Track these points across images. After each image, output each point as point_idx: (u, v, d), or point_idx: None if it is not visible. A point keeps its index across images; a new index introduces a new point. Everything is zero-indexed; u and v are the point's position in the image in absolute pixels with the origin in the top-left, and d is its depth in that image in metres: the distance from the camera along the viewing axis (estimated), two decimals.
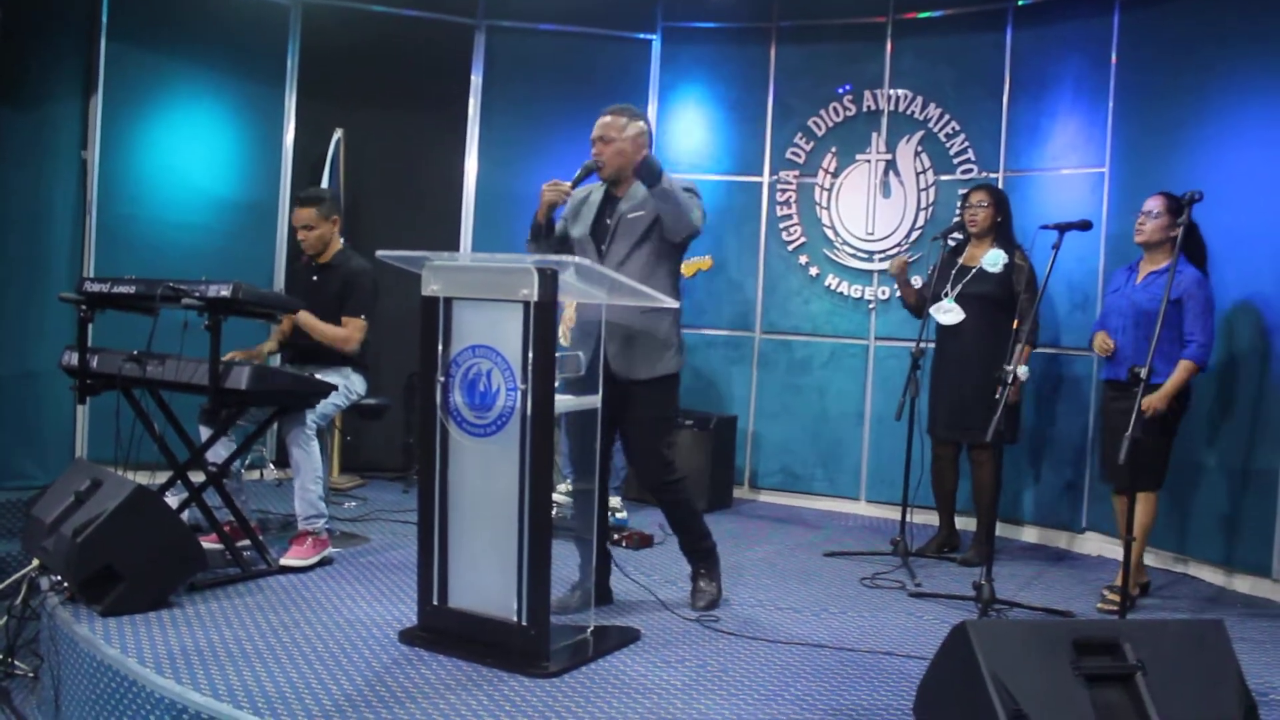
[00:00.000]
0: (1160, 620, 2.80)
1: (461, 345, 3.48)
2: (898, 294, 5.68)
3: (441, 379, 3.52)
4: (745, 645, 3.79)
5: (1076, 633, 2.62)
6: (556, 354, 3.36)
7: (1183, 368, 4.38)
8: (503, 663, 3.38)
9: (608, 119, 4.01)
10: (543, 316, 3.32)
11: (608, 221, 4.04)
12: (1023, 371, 4.37)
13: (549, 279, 3.31)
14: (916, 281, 5.45)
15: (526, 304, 3.31)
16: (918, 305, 5.39)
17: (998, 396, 4.21)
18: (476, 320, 3.45)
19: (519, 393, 3.35)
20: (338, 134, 6.31)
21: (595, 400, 3.68)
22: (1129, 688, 2.55)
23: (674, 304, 3.89)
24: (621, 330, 3.94)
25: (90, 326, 4.33)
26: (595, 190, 4.15)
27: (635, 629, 3.85)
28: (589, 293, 3.65)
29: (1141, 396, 3.79)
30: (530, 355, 3.32)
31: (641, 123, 4.05)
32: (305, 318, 4.67)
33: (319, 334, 4.71)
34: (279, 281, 6.27)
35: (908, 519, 5.21)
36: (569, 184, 3.94)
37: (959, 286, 5.19)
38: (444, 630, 3.55)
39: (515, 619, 3.40)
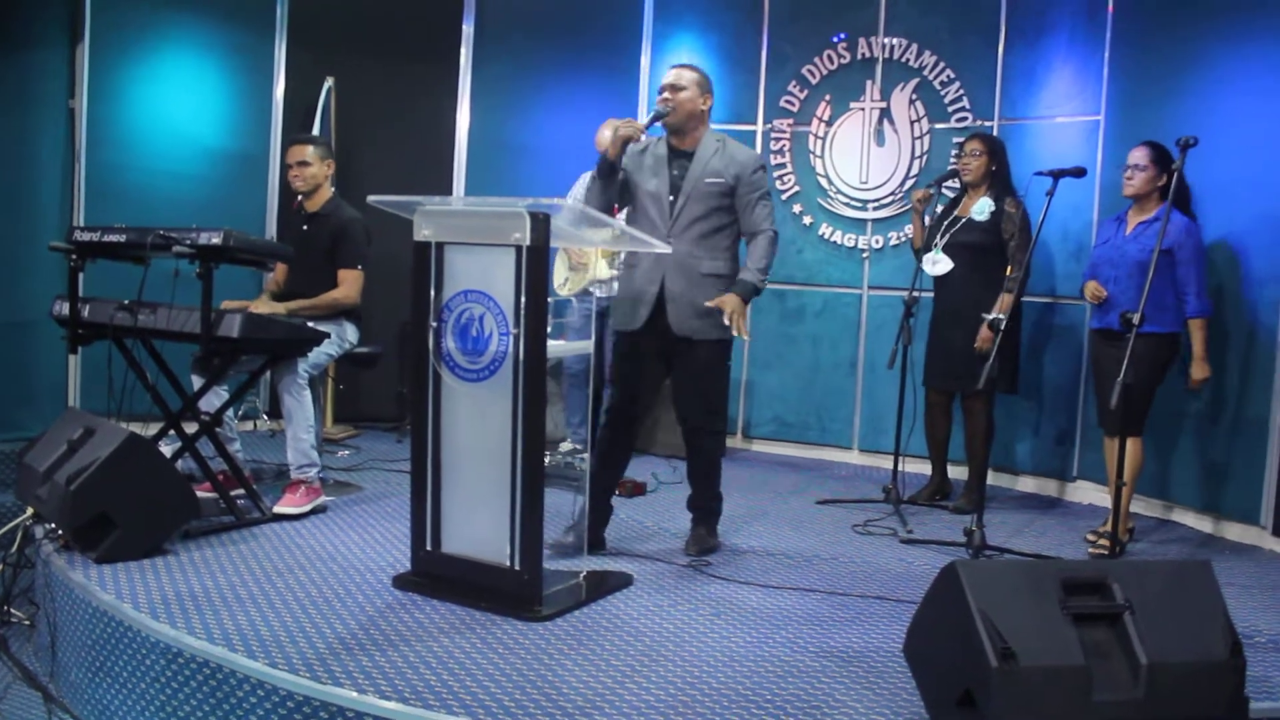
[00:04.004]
0: (1148, 561, 2.81)
1: (454, 290, 3.47)
2: (907, 234, 5.66)
3: (434, 324, 3.51)
4: (737, 590, 3.82)
5: (1065, 573, 2.63)
6: (550, 299, 3.36)
7: (1197, 328, 4.42)
8: (496, 607, 3.40)
9: (676, 69, 4.12)
10: (535, 261, 3.30)
11: (676, 175, 4.08)
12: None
13: (541, 223, 3.30)
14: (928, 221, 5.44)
15: (519, 248, 3.30)
16: (923, 249, 5.38)
17: (976, 345, 4.22)
18: (469, 265, 3.44)
19: (511, 337, 3.35)
20: (329, 83, 6.26)
21: (588, 346, 3.68)
22: (1116, 627, 2.57)
23: (664, 247, 3.88)
24: (687, 291, 4.01)
25: (81, 276, 4.31)
26: (656, 143, 4.17)
27: (628, 574, 3.87)
28: (582, 238, 3.64)
29: (1133, 343, 3.79)
30: (523, 300, 3.31)
31: (705, 76, 4.14)
32: (299, 303, 4.65)
33: (319, 309, 4.68)
34: (270, 231, 6.24)
35: (900, 467, 5.24)
36: (643, 123, 4.00)
37: (948, 236, 5.18)
38: (437, 575, 3.57)
39: (508, 563, 3.42)
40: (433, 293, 3.51)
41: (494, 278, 3.38)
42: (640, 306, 4.06)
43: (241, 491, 4.41)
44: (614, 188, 4.08)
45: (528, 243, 3.29)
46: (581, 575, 3.74)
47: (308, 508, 4.44)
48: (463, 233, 3.46)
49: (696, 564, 4.10)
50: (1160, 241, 3.94)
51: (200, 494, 4.14)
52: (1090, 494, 5.62)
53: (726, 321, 3.91)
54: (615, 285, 5.60)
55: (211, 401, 4.49)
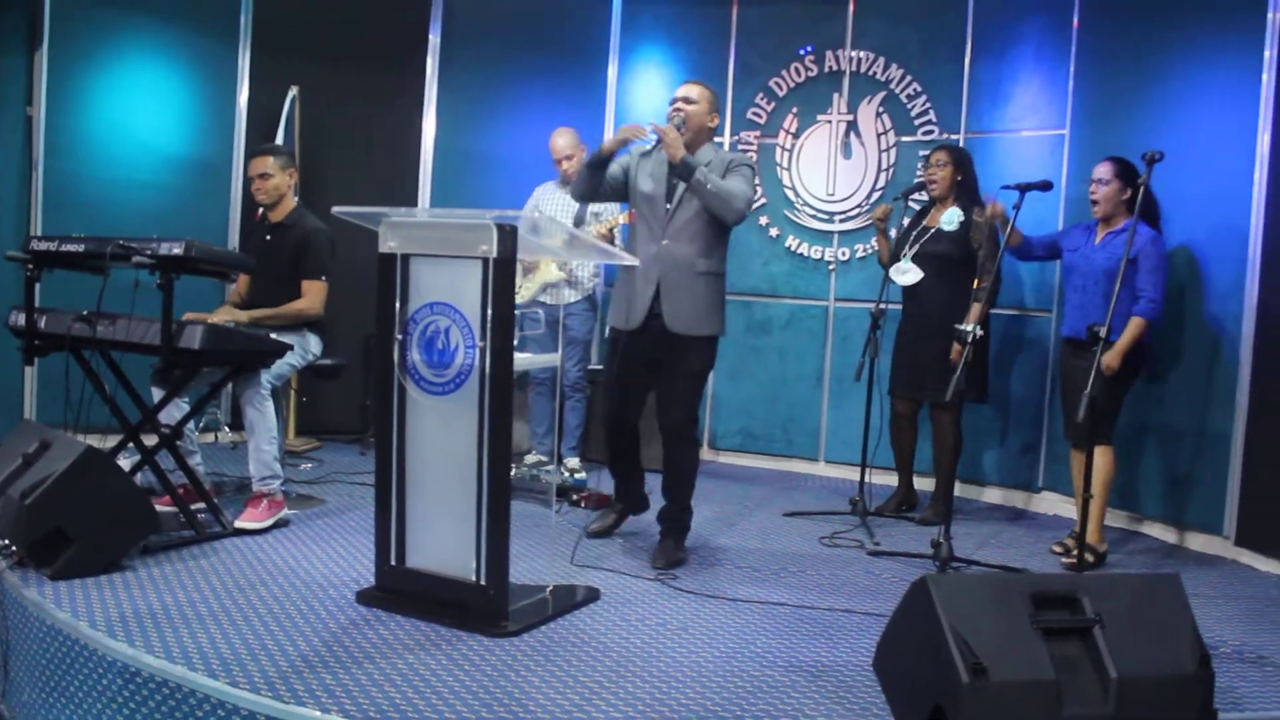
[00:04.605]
0: (1117, 575, 2.82)
1: (419, 302, 3.43)
2: (874, 247, 5.69)
3: (399, 337, 3.47)
4: (705, 604, 3.80)
5: (1035, 587, 2.63)
6: (516, 311, 3.33)
7: (1134, 324, 4.43)
8: (461, 622, 3.36)
9: (688, 85, 4.31)
10: (502, 273, 3.27)
11: (674, 181, 4.18)
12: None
13: (508, 235, 3.27)
14: (893, 234, 5.45)
15: (485, 260, 3.27)
16: (891, 263, 5.40)
17: (953, 357, 4.24)
18: (435, 277, 3.40)
19: (478, 350, 3.31)
20: (293, 91, 6.19)
21: (555, 359, 3.66)
22: (1087, 641, 2.57)
23: (632, 261, 3.89)
24: (681, 290, 4.14)
25: (37, 286, 4.23)
26: (659, 149, 4.26)
27: (595, 588, 3.83)
28: (548, 249, 3.62)
29: (1100, 354, 3.81)
30: (489, 312, 3.28)
31: (714, 93, 4.34)
32: (262, 312, 4.59)
33: (282, 319, 4.62)
34: (233, 241, 6.16)
35: (867, 479, 5.24)
36: (649, 127, 4.12)
37: (916, 247, 5.20)
38: (402, 590, 3.52)
39: (474, 578, 3.38)
40: (398, 305, 3.47)
41: (460, 290, 3.34)
42: (637, 304, 4.17)
43: (202, 505, 4.34)
44: (599, 179, 4.23)
45: (494, 255, 3.26)
46: (548, 590, 3.70)
47: (270, 522, 4.38)
48: (429, 244, 3.42)
49: (664, 577, 4.08)
50: (1127, 252, 3.96)
51: (160, 508, 4.06)
52: (1056, 505, 5.65)
53: (650, 131, 4.10)
54: (566, 291, 5.61)
55: (172, 414, 4.42)
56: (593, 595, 3.77)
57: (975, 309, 4.81)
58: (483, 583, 3.36)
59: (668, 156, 4.12)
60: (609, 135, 6.70)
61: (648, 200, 4.22)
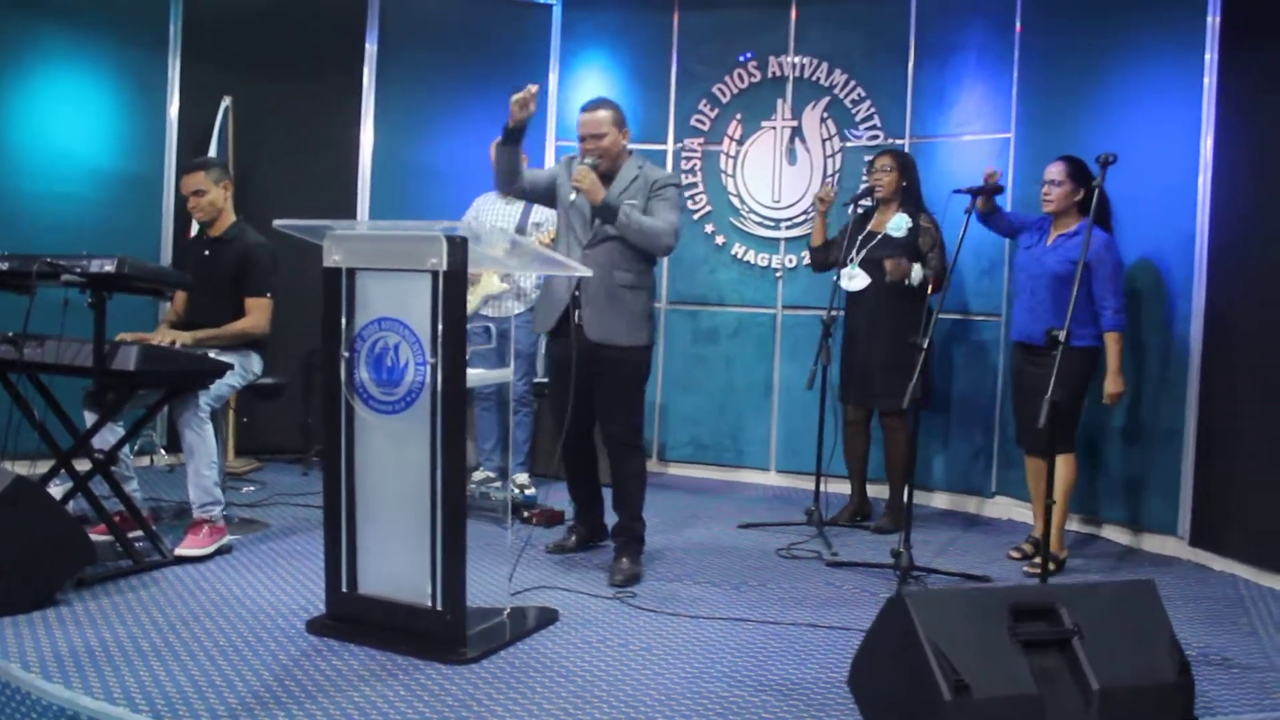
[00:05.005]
0: (1093, 584, 2.78)
1: (367, 318, 3.31)
2: (807, 240, 5.64)
3: (345, 354, 3.34)
4: (666, 622, 3.71)
5: (1013, 599, 2.58)
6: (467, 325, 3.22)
7: (1112, 341, 4.43)
8: (418, 650, 3.23)
9: (591, 115, 4.20)
10: (452, 286, 3.16)
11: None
12: (916, 273, 4.89)
13: (458, 247, 3.16)
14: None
15: (435, 273, 3.15)
16: (821, 252, 5.36)
17: (916, 364, 4.20)
18: (382, 292, 3.28)
19: (429, 367, 3.20)
20: (226, 102, 5.99)
21: (507, 374, 3.56)
22: (1066, 652, 2.53)
23: (584, 271, 3.80)
24: (601, 299, 4.11)
25: None
26: (581, 165, 4.22)
27: (552, 609, 3.73)
28: (492, 259, 3.51)
29: (1060, 359, 3.78)
30: (440, 327, 3.17)
31: (618, 110, 4.26)
32: (205, 332, 4.41)
33: (225, 339, 4.45)
34: (166, 258, 5.95)
35: (823, 488, 5.18)
36: (535, 86, 3.98)
37: (864, 252, 5.17)
38: (354, 618, 3.38)
39: (430, 604, 3.25)
40: (344, 321, 3.34)
41: (409, 305, 3.22)
42: (554, 310, 4.20)
43: (140, 533, 4.15)
44: (516, 157, 4.13)
45: (445, 268, 3.15)
46: (505, 612, 3.58)
47: (212, 548, 4.20)
48: (376, 258, 3.30)
49: (622, 595, 3.98)
50: (1084, 256, 3.94)
51: (95, 537, 3.87)
52: (1009, 509, 5.65)
53: (575, 181, 4.05)
54: (510, 303, 5.50)
55: (105, 438, 4.22)
56: (551, 617, 3.66)
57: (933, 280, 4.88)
58: (439, 608, 3.24)
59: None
60: (550, 147, 6.63)
61: (576, 211, 4.19)
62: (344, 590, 3.40)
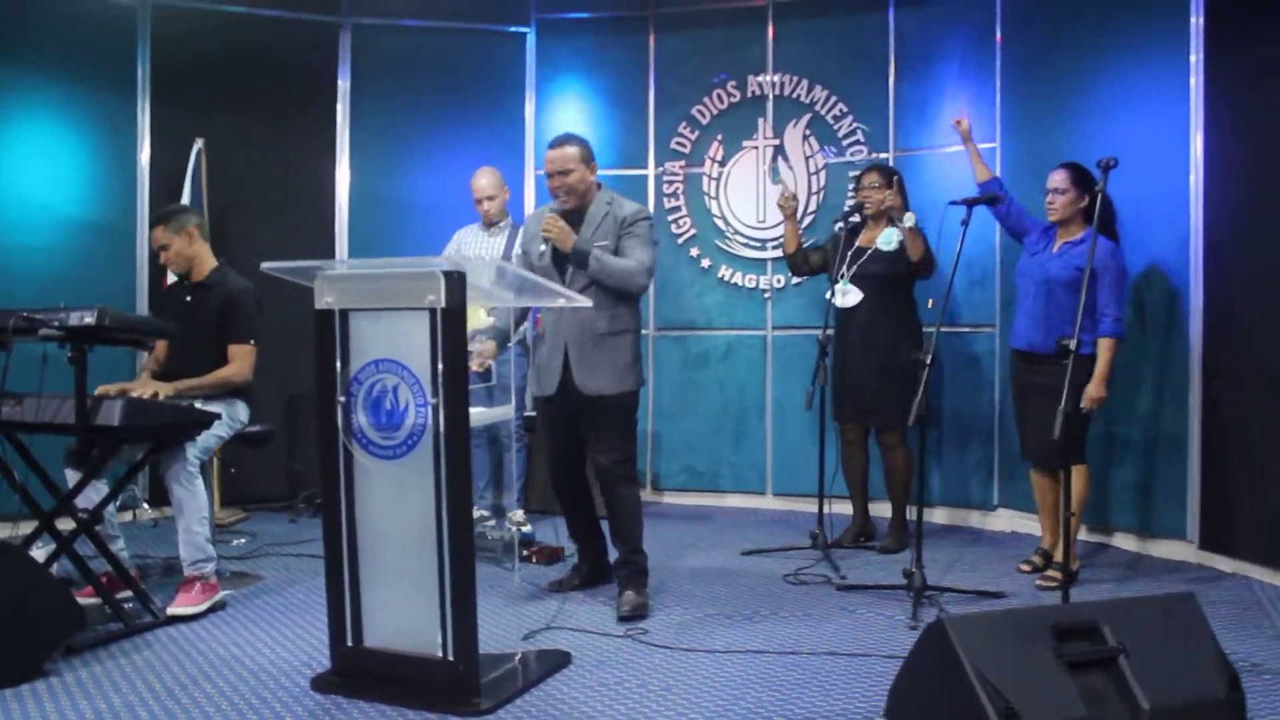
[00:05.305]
0: (1133, 599, 2.69)
1: (362, 361, 3.19)
2: (782, 240, 5.57)
3: (342, 399, 3.22)
4: (682, 658, 3.59)
5: (1053, 619, 2.49)
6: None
7: (1105, 347, 4.33)
8: (430, 703, 3.10)
9: (558, 152, 4.12)
10: (451, 323, 3.06)
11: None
12: (909, 219, 4.85)
13: (456, 282, 3.06)
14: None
15: (433, 310, 3.05)
16: (798, 256, 5.29)
17: (920, 378, 4.13)
18: (378, 332, 3.17)
19: (430, 408, 3.09)
20: (198, 145, 5.85)
21: (508, 411, 3.45)
22: (1112, 670, 2.44)
23: (584, 302, 3.70)
24: (588, 350, 4.05)
25: None
26: (547, 209, 4.19)
27: (565, 651, 3.60)
28: (498, 295, 3.41)
29: (1073, 369, 3.71)
30: (440, 367, 3.06)
31: (585, 146, 4.18)
32: (188, 383, 4.26)
33: (208, 388, 4.30)
34: (142, 307, 5.80)
35: (827, 509, 5.09)
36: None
37: (854, 268, 5.10)
38: (361, 673, 3.25)
39: (440, 654, 3.13)
40: (339, 365, 3.22)
41: (407, 345, 3.11)
42: (550, 374, 4.12)
43: (129, 594, 4.00)
44: None
45: (443, 304, 3.05)
46: (516, 658, 3.46)
47: (205, 606, 4.05)
48: (369, 297, 3.18)
49: (633, 632, 3.86)
50: (1090, 264, 3.87)
51: (82, 601, 3.72)
52: (1012, 522, 5.58)
53: (545, 231, 4.01)
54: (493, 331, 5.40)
55: (89, 496, 4.06)
56: (563, 659, 3.54)
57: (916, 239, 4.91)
58: (451, 658, 3.12)
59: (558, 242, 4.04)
60: (529, 177, 6.53)
61: (543, 274, 4.06)
62: (349, 644, 3.27)
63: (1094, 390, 4.31)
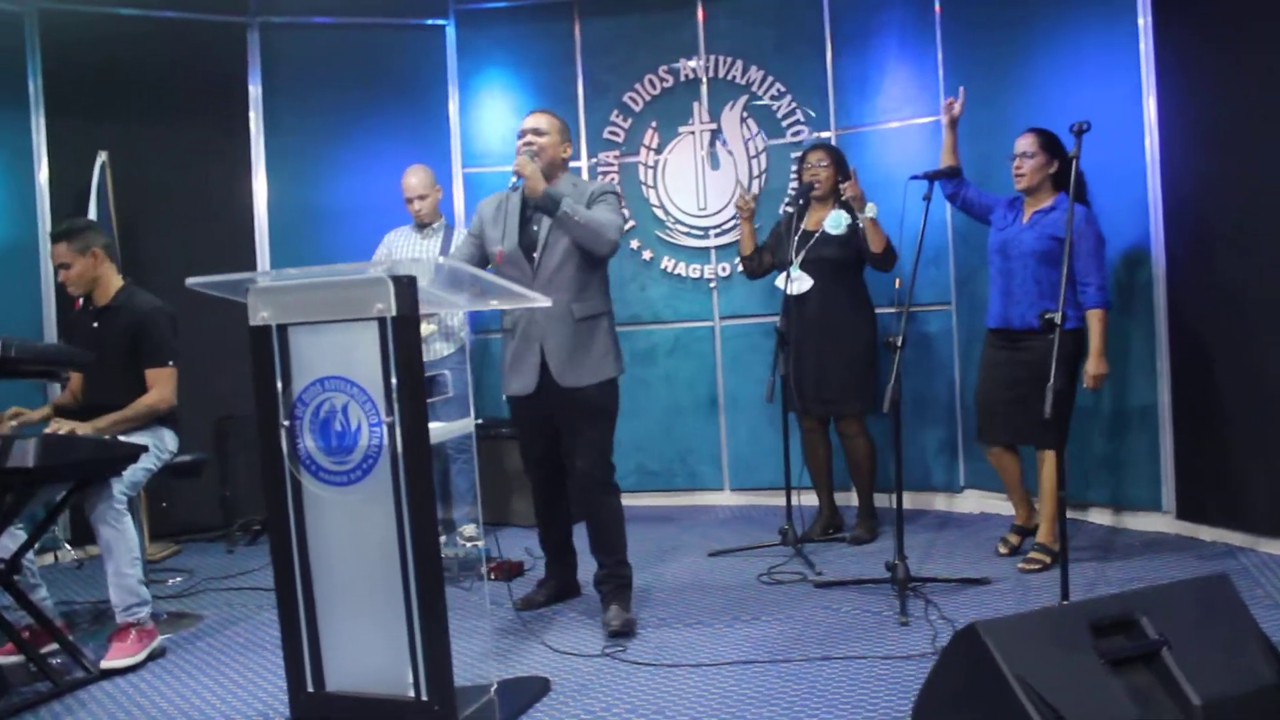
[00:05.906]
0: (1166, 585, 2.52)
1: (306, 380, 2.90)
2: (737, 247, 5.36)
3: (285, 423, 2.93)
4: (668, 675, 3.36)
5: (1089, 614, 2.30)
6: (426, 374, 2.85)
7: (1095, 319, 4.16)
8: None
9: (540, 115, 3.99)
10: (404, 332, 2.79)
11: (534, 230, 3.88)
12: (870, 210, 4.65)
13: (406, 288, 2.79)
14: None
15: (383, 320, 2.78)
16: (754, 259, 5.10)
17: (893, 361, 3.96)
18: (322, 347, 2.88)
19: (385, 427, 2.82)
20: (101, 157, 5.46)
21: (469, 424, 3.19)
22: (1155, 665, 2.26)
23: (544, 301, 3.43)
24: (567, 338, 3.85)
25: None
26: (509, 198, 3.96)
27: (542, 678, 3.35)
28: (450, 300, 3.14)
29: (1059, 343, 3.54)
30: (394, 380, 2.79)
31: (565, 123, 4.04)
32: (106, 419, 3.89)
33: (132, 421, 3.95)
34: (50, 334, 5.41)
35: (795, 502, 4.90)
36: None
37: (803, 253, 4.90)
38: None
39: (413, 694, 2.86)
40: (280, 385, 2.93)
41: (355, 359, 2.84)
42: (526, 368, 3.88)
43: (56, 647, 3.65)
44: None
45: (393, 313, 2.78)
46: (492, 688, 3.20)
47: (143, 655, 3.72)
48: (310, 310, 2.90)
49: (612, 651, 3.62)
50: (1069, 235, 3.70)
51: (3, 660, 3.38)
52: (981, 503, 5.45)
53: (517, 168, 3.76)
54: (439, 344, 5.13)
55: (4, 545, 3.71)
56: (544, 687, 3.29)
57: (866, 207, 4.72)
58: (424, 698, 2.85)
59: (527, 193, 3.79)
60: (456, 174, 6.25)
61: (508, 260, 3.89)
62: (309, 690, 2.98)
63: (1094, 367, 4.15)
